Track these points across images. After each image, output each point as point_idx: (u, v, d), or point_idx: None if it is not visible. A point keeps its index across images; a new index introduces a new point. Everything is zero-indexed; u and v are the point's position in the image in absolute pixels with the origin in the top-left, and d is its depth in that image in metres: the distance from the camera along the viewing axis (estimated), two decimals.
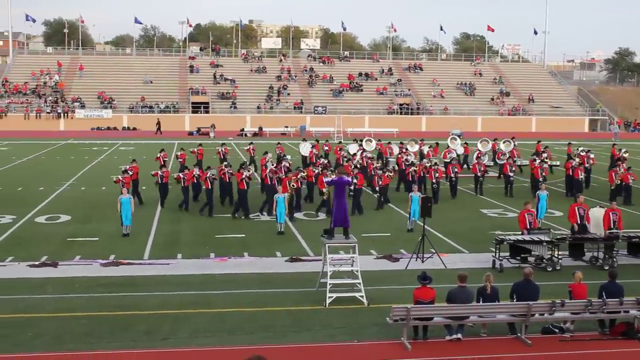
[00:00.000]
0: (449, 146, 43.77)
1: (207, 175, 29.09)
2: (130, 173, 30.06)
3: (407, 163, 35.06)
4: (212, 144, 53.24)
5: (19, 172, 42.57)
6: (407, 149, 41.18)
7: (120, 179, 28.58)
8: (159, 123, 77.25)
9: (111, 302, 17.32)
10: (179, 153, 36.59)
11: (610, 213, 22.53)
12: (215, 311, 16.65)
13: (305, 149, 41.96)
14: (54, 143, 62.99)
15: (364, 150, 41.60)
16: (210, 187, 28.93)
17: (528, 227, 22.21)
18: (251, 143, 45.12)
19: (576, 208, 22.96)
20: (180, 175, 30.68)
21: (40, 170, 43.60)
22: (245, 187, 28.47)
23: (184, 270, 20.46)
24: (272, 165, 30.81)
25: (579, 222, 22.68)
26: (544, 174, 35.02)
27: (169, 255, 22.23)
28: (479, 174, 35.22)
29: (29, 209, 29.79)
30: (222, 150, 40.48)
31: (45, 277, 19.51)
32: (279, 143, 45.49)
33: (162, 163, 33.94)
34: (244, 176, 28.36)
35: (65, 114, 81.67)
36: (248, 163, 36.47)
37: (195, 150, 39.80)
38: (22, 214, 28.67)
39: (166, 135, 71.58)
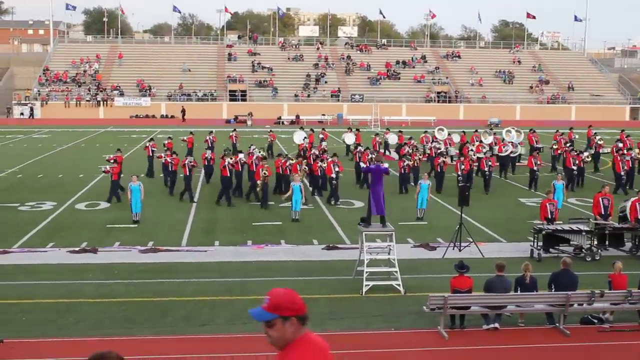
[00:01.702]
0: (504, 139, 40.47)
1: (186, 162, 29.51)
2: (117, 163, 30.16)
3: (473, 154, 33.50)
4: (249, 131, 53.47)
5: (60, 160, 43.14)
6: (481, 141, 39.22)
7: (109, 169, 28.84)
8: (183, 110, 77.77)
9: (150, 288, 17.54)
10: (165, 142, 36.66)
11: (637, 204, 22.22)
12: (252, 298, 16.74)
13: (299, 138, 41.38)
14: (93, 131, 63.71)
15: (434, 139, 41.02)
16: (188, 173, 29.33)
17: (549, 216, 21.99)
18: (234, 130, 45.22)
19: (600, 198, 22.77)
20: (162, 154, 31.24)
21: (80, 157, 44.11)
22: (228, 175, 28.80)
23: (221, 257, 20.62)
24: (259, 152, 31.25)
25: (602, 213, 22.48)
26: (625, 167, 32.55)
27: (207, 242, 22.41)
28: (535, 168, 32.77)
29: (69, 195, 30.20)
30: (210, 138, 40.80)
31: (85, 263, 19.80)
32: (270, 131, 45.53)
33: (150, 153, 34.92)
34: (226, 164, 28.63)
35: (105, 102, 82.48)
36: (232, 151, 36.76)
37: (185, 139, 40.53)
38: (62, 200, 29.08)
39: (204, 123, 71.81)
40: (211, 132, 42.57)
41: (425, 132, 44.65)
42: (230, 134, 44.25)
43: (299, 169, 28.90)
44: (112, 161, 29.74)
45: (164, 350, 13.77)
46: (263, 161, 29.11)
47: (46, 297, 16.69)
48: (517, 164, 38.81)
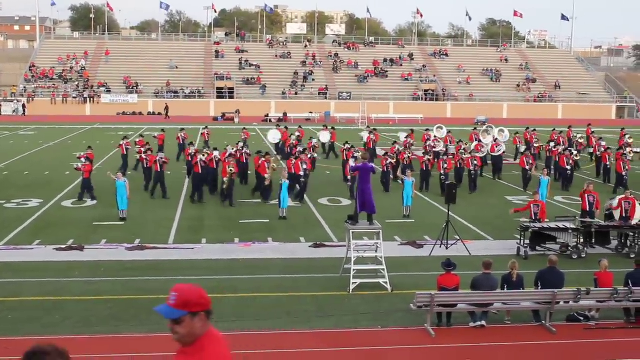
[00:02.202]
0: (497, 139, 38.80)
1: (157, 159, 29.58)
2: (90, 161, 29.94)
3: (463, 153, 32.87)
4: (236, 129, 53.35)
5: (46, 157, 42.93)
6: (480, 140, 38.40)
7: (80, 166, 28.67)
8: (167, 108, 77.53)
9: (136, 286, 17.49)
10: (137, 140, 36.57)
11: (623, 202, 22.32)
12: (239, 296, 16.75)
13: (274, 136, 40.97)
14: (80, 128, 63.42)
15: (435, 137, 40.64)
16: (160, 170, 29.34)
17: (533, 217, 22.04)
18: (206, 127, 45.42)
19: (586, 195, 22.86)
20: (142, 149, 31.38)
21: (67, 154, 43.87)
22: (200, 171, 28.74)
23: (208, 255, 20.59)
24: (233, 150, 31.44)
25: (588, 210, 22.59)
26: (627, 167, 32.21)
27: (194, 240, 22.37)
28: (527, 167, 32.39)
29: (56, 193, 30.07)
30: (181, 135, 40.83)
31: (71, 260, 19.72)
32: (244, 128, 45.56)
33: (125, 152, 34.97)
34: (198, 160, 28.62)
35: (91, 99, 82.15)
36: (203, 147, 36.89)
37: (156, 135, 40.68)
38: (48, 198, 28.95)
39: (191, 120, 71.61)
40: (182, 129, 42.49)
41: (427, 129, 44.36)
42: (202, 131, 44.30)
43: (267, 166, 28.75)
44: (83, 159, 29.54)
45: (150, 348, 13.71)
46: (229, 158, 28.97)
47: (32, 295, 16.61)
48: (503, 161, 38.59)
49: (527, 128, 44.32)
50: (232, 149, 31.75)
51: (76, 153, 33.64)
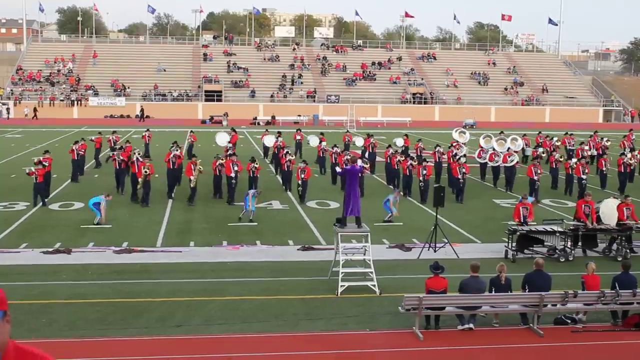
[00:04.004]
0: (509, 148, 37.00)
1: (114, 159, 30.73)
2: (46, 164, 29.58)
3: (456, 158, 32.35)
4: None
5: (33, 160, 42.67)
6: (494, 149, 36.62)
7: (34, 171, 28.39)
8: (142, 110, 77.28)
9: (124, 289, 17.42)
10: (80, 144, 36.09)
11: (624, 208, 22.26)
12: (227, 299, 16.71)
13: (221, 139, 40.79)
14: (67, 131, 63.15)
15: (457, 141, 39.71)
16: (118, 167, 30.43)
17: (522, 219, 21.99)
18: (147, 130, 45.58)
19: (583, 205, 22.63)
20: (115, 154, 31.58)
21: (54, 157, 43.59)
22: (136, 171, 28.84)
23: (196, 258, 20.54)
24: (178, 151, 31.32)
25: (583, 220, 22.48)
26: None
27: (182, 243, 22.32)
28: (535, 178, 30.67)
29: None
30: (113, 138, 41.17)
31: (58, 263, 19.63)
32: (191, 131, 45.65)
33: (75, 157, 34.74)
34: (134, 160, 28.81)
35: (79, 102, 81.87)
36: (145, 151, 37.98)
37: (93, 139, 40.52)
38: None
39: (178, 123, 71.50)
40: (114, 132, 43.34)
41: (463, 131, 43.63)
42: (144, 133, 44.12)
43: (192, 168, 28.71)
44: (39, 163, 29.19)
45: (138, 351, 13.67)
46: (146, 159, 29.03)
47: (19, 299, 16.45)
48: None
49: (539, 133, 43.57)
50: (177, 149, 31.59)
51: (34, 158, 33.03)
